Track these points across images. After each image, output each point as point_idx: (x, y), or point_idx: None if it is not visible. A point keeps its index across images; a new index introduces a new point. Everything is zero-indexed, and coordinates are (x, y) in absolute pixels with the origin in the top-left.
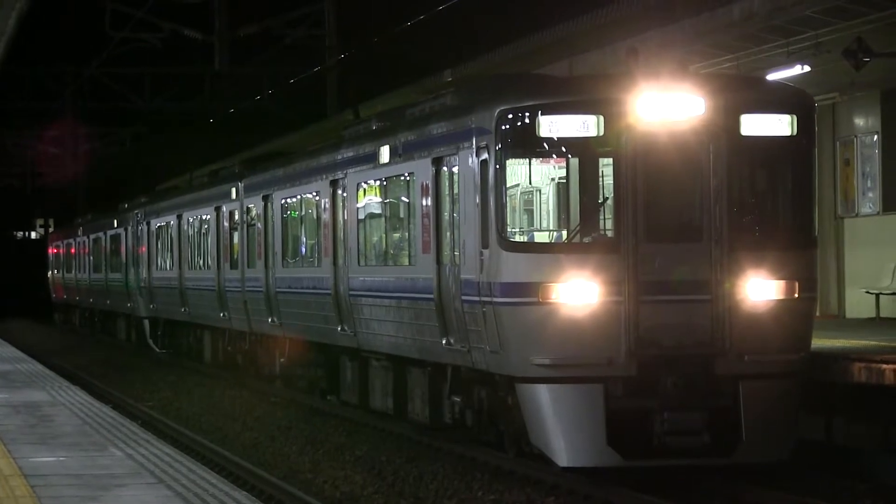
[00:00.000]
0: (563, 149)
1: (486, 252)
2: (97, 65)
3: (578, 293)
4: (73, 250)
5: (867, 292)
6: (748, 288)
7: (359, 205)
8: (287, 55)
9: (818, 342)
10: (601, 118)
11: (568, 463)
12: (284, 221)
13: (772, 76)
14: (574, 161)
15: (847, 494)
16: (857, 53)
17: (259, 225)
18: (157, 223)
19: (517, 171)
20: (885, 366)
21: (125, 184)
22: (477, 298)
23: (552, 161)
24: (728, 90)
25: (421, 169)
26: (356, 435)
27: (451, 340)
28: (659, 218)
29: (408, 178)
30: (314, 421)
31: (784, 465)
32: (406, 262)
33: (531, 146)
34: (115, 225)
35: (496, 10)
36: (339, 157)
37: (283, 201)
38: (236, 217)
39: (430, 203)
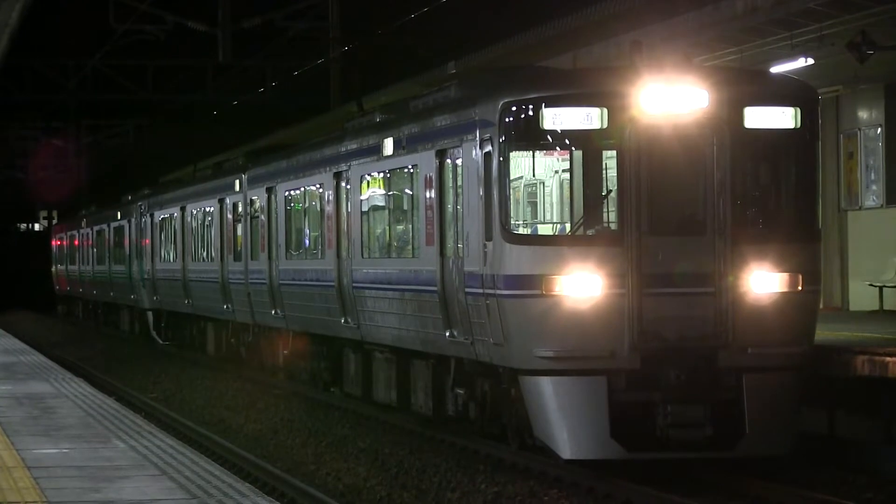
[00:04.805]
0: (567, 141)
1: (489, 244)
2: (100, 57)
3: (582, 286)
4: (76, 242)
5: (870, 285)
6: (751, 281)
7: (362, 197)
8: (290, 47)
9: (821, 335)
10: (605, 111)
11: (571, 455)
12: (288, 213)
13: (775, 69)
14: (577, 153)
15: (849, 487)
16: (860, 46)
17: (262, 217)
18: (160, 215)
19: (521, 163)
20: (888, 359)
21: (129, 176)
22: (480, 291)
23: (556, 153)
24: (732, 83)
25: (424, 161)
26: (359, 427)
27: (455, 333)
28: (662, 211)
29: (411, 171)
30: (317, 413)
31: (786, 457)
32: (409, 254)
33: (535, 138)
34: (119, 217)
35: (500, 2)
36: (343, 149)
37: (287, 193)
38: (240, 209)
39: (433, 195)
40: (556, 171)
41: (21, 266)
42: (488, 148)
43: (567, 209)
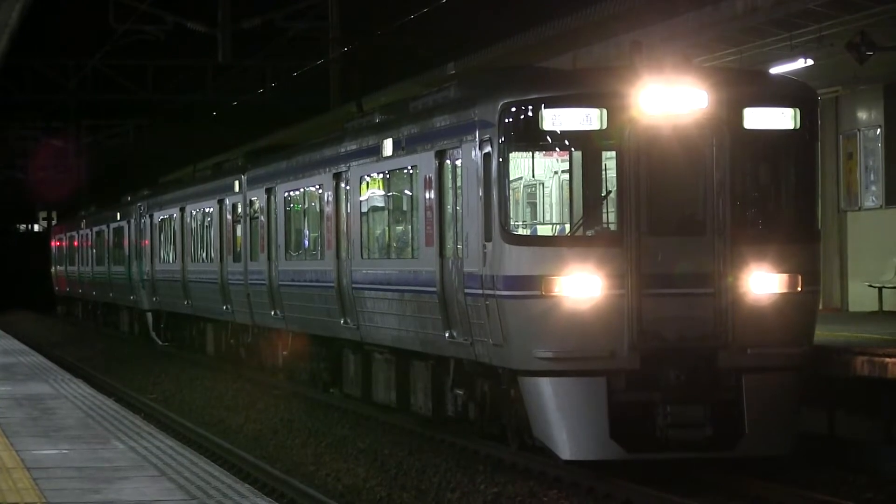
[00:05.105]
0: (567, 142)
1: (489, 245)
2: (100, 57)
3: (581, 286)
4: (76, 243)
5: (870, 286)
6: (751, 281)
7: (362, 198)
8: (290, 47)
9: (821, 336)
10: (604, 111)
11: (570, 456)
12: (287, 214)
13: (775, 70)
14: (577, 154)
15: (849, 487)
16: (860, 47)
17: (262, 218)
18: (160, 216)
19: (520, 164)
20: (887, 359)
21: (128, 176)
22: (480, 291)
23: (555, 154)
24: (731, 84)
25: (424, 162)
26: (359, 428)
27: (454, 333)
28: (662, 211)
29: (411, 172)
30: (317, 414)
31: (786, 458)
32: (409, 255)
33: (534, 139)
34: (119, 218)
35: (500, 2)
36: (343, 150)
37: (286, 194)
38: (239, 210)
39: (433, 196)
40: (556, 172)
41: (21, 266)
42: (488, 149)
43: (566, 210)
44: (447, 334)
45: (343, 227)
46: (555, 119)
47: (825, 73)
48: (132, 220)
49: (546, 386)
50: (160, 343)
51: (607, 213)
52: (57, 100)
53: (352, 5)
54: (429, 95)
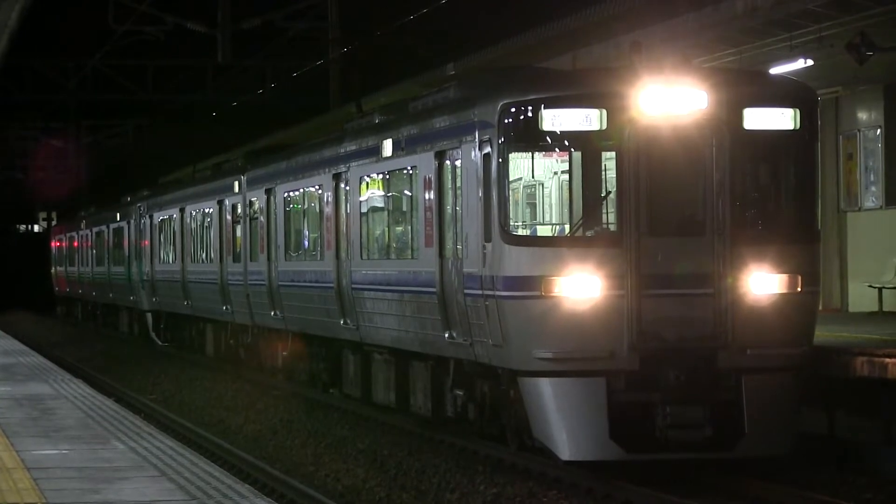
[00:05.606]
0: (566, 142)
1: (488, 246)
2: (100, 57)
3: (581, 287)
4: (75, 243)
5: (870, 286)
6: (751, 282)
7: (361, 198)
8: (290, 48)
9: (820, 336)
10: (604, 112)
11: (570, 456)
12: (287, 215)
13: (775, 70)
14: (577, 155)
15: (849, 488)
16: (860, 47)
17: (262, 218)
18: (159, 216)
19: (520, 164)
20: (887, 360)
21: (128, 176)
22: (479, 292)
23: (555, 155)
24: (731, 84)
25: (424, 162)
26: (358, 428)
27: (454, 334)
28: (661, 212)
29: (410, 172)
30: (316, 414)
31: (786, 458)
32: (409, 255)
33: (534, 140)
34: (118, 218)
35: (500, 2)
36: (342, 150)
37: (286, 195)
38: (239, 210)
39: (432, 197)
40: (556, 173)
41: (20, 267)
42: (487, 149)
43: (566, 210)
44: (447, 335)
45: (343, 227)
46: (554, 119)
47: (825, 74)
48: (132, 221)
49: (546, 386)
50: (160, 343)
51: (607, 213)
52: (57, 100)
53: (352, 5)
54: (428, 96)
